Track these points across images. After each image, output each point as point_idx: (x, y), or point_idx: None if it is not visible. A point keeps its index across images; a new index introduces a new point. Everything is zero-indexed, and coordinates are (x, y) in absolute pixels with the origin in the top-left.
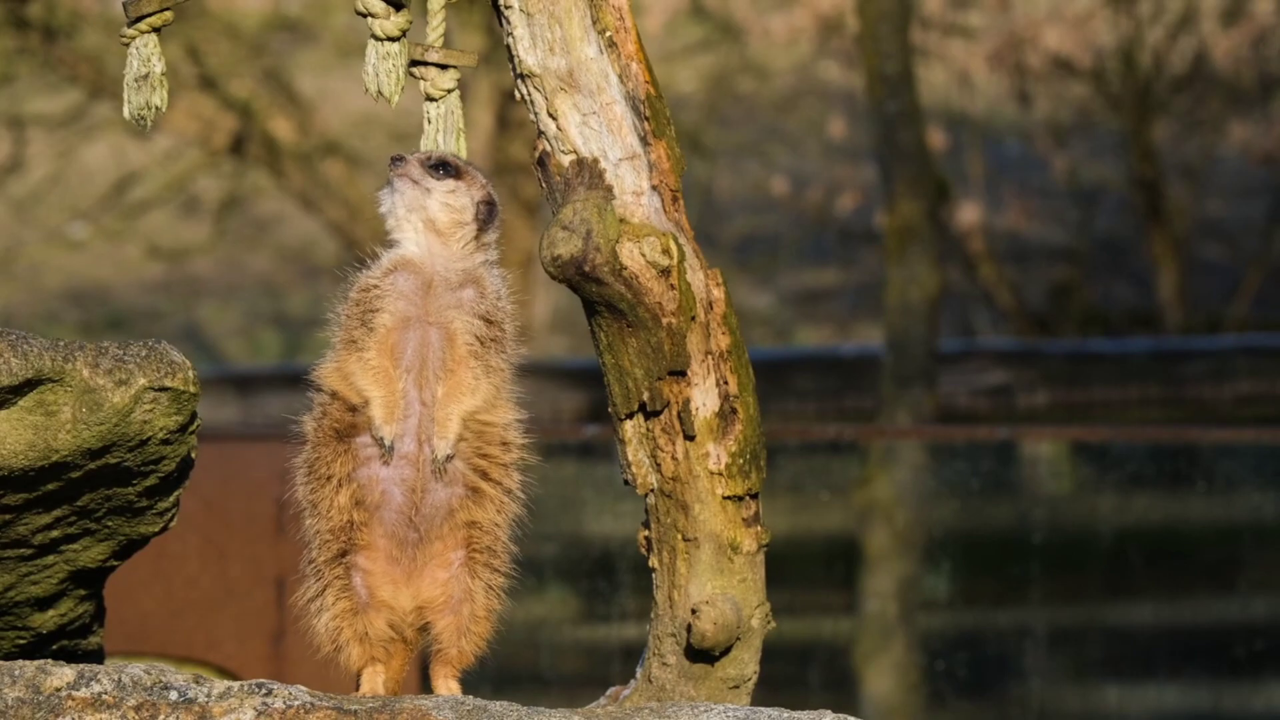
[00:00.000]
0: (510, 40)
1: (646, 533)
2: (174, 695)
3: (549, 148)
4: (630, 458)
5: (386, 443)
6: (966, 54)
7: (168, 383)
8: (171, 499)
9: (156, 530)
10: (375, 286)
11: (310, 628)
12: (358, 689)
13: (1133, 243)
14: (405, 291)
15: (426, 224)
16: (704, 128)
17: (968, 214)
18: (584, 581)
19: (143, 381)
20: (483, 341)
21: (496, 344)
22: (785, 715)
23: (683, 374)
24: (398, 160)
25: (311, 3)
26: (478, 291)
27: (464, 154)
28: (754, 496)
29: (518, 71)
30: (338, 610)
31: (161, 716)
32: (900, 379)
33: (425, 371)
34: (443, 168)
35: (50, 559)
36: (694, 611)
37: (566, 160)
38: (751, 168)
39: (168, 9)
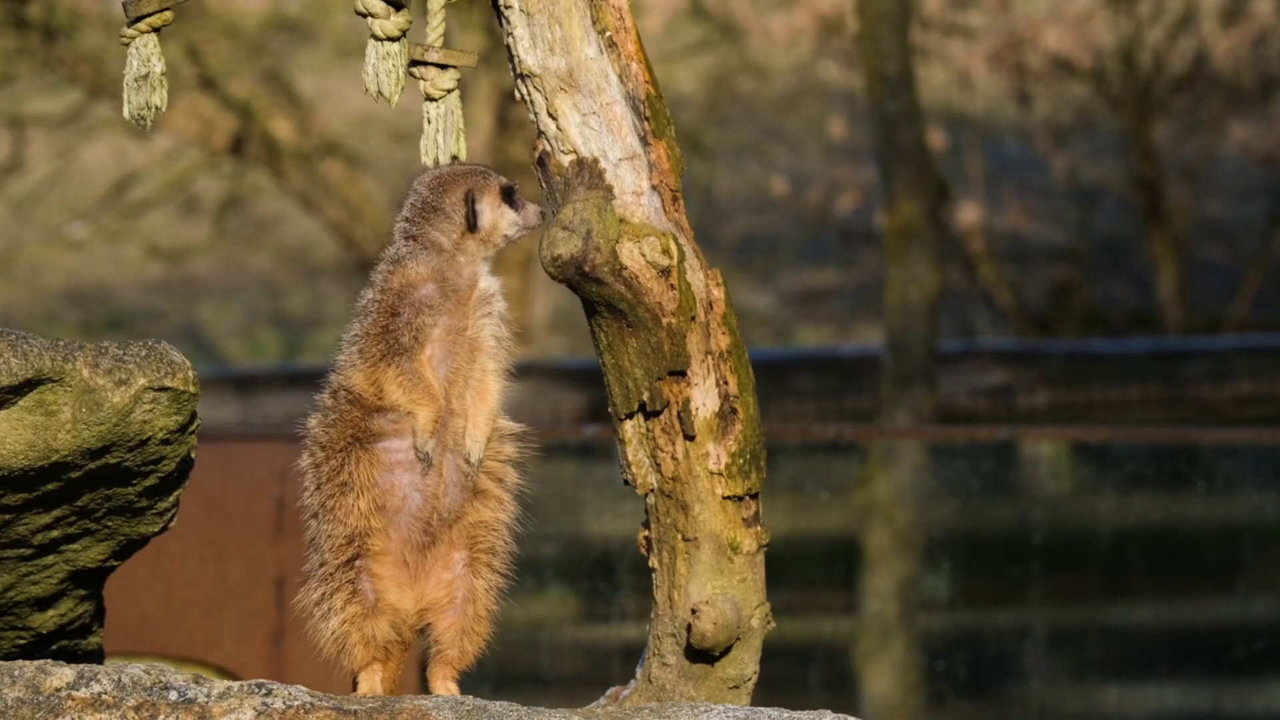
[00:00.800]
0: (510, 40)
1: (646, 533)
2: (174, 695)
3: (549, 148)
4: (630, 458)
5: (432, 458)
6: (966, 54)
7: (168, 383)
8: (171, 499)
9: (156, 530)
10: (426, 303)
11: (315, 630)
12: (354, 689)
13: (1133, 243)
14: (448, 305)
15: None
16: (704, 128)
17: (968, 214)
18: (584, 581)
19: (143, 381)
20: (499, 341)
21: (506, 344)
22: (785, 715)
23: (683, 374)
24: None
25: (311, 3)
26: (492, 295)
27: (464, 154)
28: (754, 496)
29: (518, 71)
30: (348, 614)
31: (161, 716)
32: (900, 379)
33: (457, 381)
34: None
35: (50, 559)
36: (694, 611)
37: (566, 160)
38: (751, 168)
39: (168, 9)
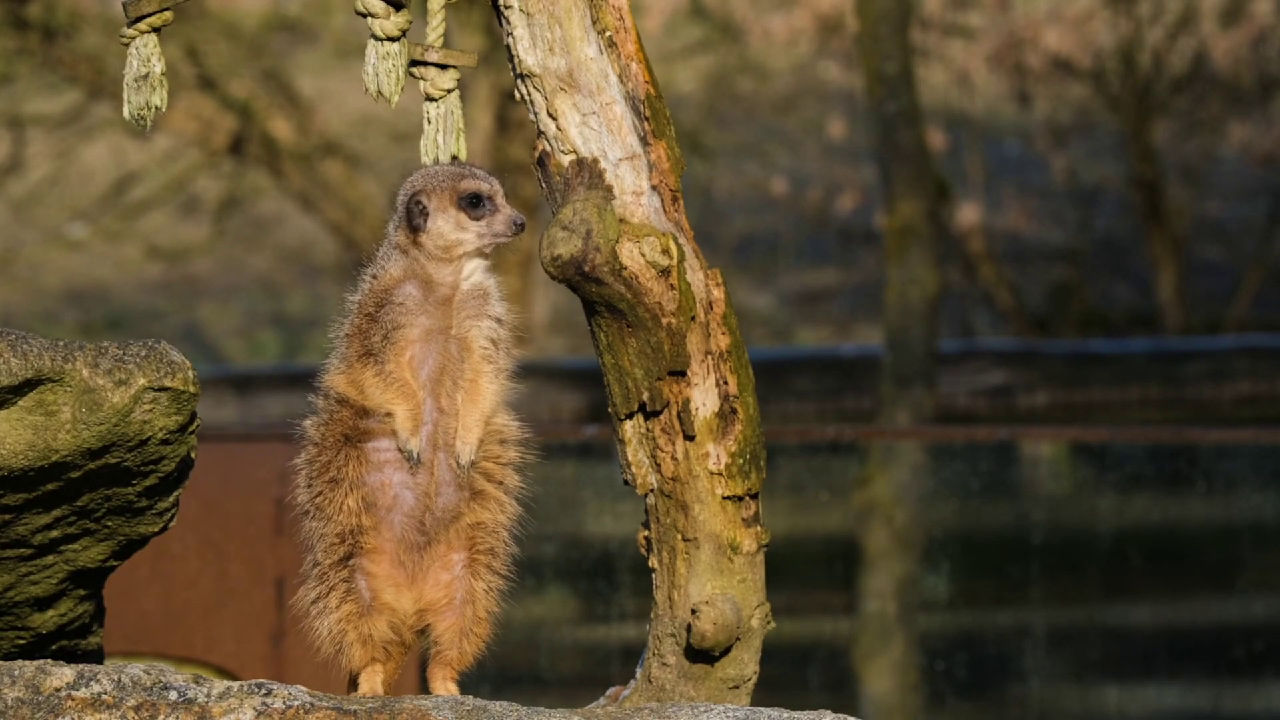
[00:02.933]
0: (510, 40)
1: (646, 533)
2: (174, 695)
3: (549, 148)
4: (630, 458)
5: (415, 456)
6: (966, 54)
7: (167, 383)
8: (171, 499)
9: (156, 530)
10: (400, 304)
11: (312, 629)
12: (353, 689)
13: (1133, 243)
14: (429, 305)
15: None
16: (704, 128)
17: (967, 214)
18: (584, 582)
19: (142, 381)
20: (495, 344)
21: (504, 345)
22: (785, 715)
23: (682, 374)
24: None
25: (311, 3)
26: (486, 295)
27: (464, 154)
28: (754, 497)
29: (518, 71)
30: (343, 613)
31: (161, 716)
32: (900, 379)
33: (444, 380)
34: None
35: (50, 559)
36: (694, 612)
37: (566, 160)
38: (751, 168)
39: (168, 9)
